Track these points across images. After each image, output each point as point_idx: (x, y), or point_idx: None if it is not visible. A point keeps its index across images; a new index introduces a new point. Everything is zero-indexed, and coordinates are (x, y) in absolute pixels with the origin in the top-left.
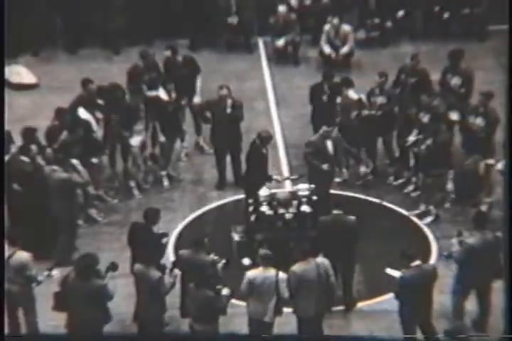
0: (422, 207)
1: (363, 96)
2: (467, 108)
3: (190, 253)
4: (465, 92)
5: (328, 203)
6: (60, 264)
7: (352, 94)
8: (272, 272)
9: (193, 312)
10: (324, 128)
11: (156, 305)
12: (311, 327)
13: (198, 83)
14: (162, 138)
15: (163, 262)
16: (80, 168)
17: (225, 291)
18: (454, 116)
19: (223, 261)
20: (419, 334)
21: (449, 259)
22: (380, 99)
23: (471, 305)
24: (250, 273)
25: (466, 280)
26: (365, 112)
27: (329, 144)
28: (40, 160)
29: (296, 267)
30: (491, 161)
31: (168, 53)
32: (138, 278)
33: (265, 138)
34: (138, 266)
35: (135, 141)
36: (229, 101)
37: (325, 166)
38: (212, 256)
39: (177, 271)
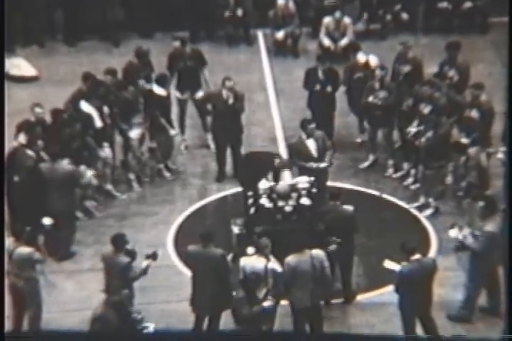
0: (422, 200)
1: (373, 59)
2: (463, 99)
3: (199, 248)
4: (461, 84)
5: (325, 195)
6: (61, 258)
7: (360, 56)
8: (262, 262)
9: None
10: (302, 135)
11: (126, 289)
12: (308, 318)
13: (206, 77)
14: (173, 132)
15: (132, 248)
16: (87, 174)
17: (267, 304)
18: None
19: (231, 254)
20: (418, 330)
21: (461, 250)
22: (382, 94)
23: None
24: (242, 260)
25: (483, 269)
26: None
27: (311, 144)
28: (43, 155)
29: (290, 258)
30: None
31: (177, 44)
32: (106, 263)
33: (281, 166)
34: (107, 252)
35: (134, 133)
36: (230, 94)
37: (310, 165)
38: (224, 251)
39: (148, 262)
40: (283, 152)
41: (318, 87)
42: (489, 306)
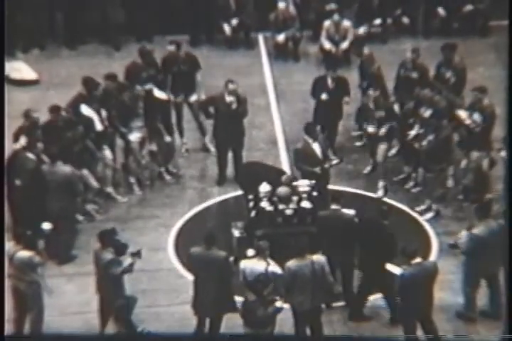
0: (427, 202)
1: None
2: (461, 101)
3: (201, 250)
4: (458, 86)
5: (327, 199)
6: (61, 262)
7: (366, 49)
8: (262, 264)
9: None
10: (308, 139)
11: (111, 285)
12: (309, 321)
13: (198, 81)
14: (168, 138)
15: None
16: (90, 179)
17: (279, 304)
18: (463, 114)
19: (231, 258)
20: (419, 332)
21: (454, 248)
22: (378, 113)
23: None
24: (242, 263)
25: (474, 270)
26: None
27: (316, 147)
28: (44, 157)
29: (291, 263)
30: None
31: (172, 48)
32: (94, 258)
33: (286, 181)
34: (96, 247)
35: (134, 136)
36: (233, 97)
37: (317, 169)
38: (226, 253)
39: (132, 260)
40: (283, 155)
41: (327, 95)
42: (490, 310)
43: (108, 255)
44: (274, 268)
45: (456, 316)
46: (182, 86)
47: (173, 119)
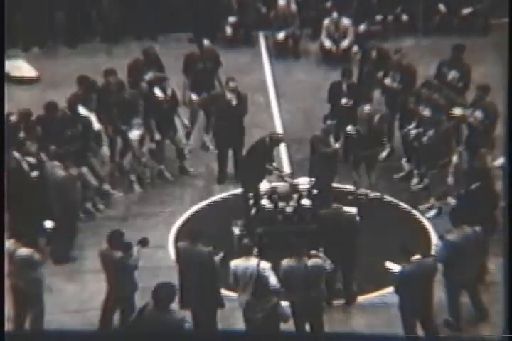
0: (431, 201)
1: None
2: (465, 101)
3: (187, 244)
4: (463, 86)
5: (329, 197)
6: (59, 261)
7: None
8: (253, 262)
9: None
10: (328, 122)
11: (125, 282)
12: (308, 319)
13: (219, 77)
14: (158, 136)
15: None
16: (89, 177)
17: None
18: (458, 111)
19: (221, 253)
20: (419, 330)
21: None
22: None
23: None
24: (233, 263)
25: (453, 281)
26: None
27: (331, 140)
28: (42, 157)
29: (285, 262)
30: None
31: (207, 42)
32: (103, 259)
33: (276, 140)
34: (102, 248)
35: (134, 134)
36: (233, 95)
37: (329, 150)
38: (211, 248)
39: (137, 253)
40: (284, 153)
41: (343, 100)
42: (477, 316)
43: (118, 253)
44: (266, 264)
45: (444, 325)
46: (204, 84)
47: (173, 118)
